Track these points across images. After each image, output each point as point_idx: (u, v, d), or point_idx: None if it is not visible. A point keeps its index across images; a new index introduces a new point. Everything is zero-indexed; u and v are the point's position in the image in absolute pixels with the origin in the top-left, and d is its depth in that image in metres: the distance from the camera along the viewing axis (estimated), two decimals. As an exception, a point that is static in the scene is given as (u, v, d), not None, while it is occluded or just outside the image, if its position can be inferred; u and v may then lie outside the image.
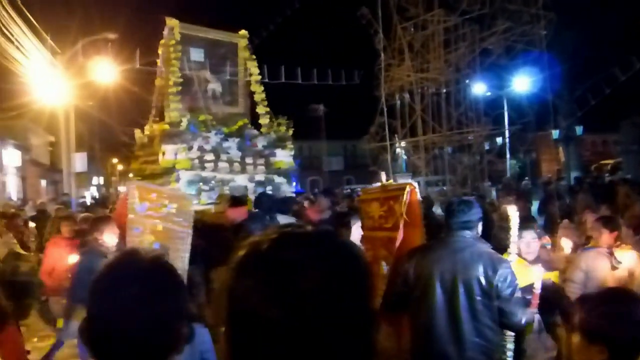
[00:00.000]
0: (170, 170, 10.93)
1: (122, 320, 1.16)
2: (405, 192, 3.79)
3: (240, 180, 11.22)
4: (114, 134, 39.03)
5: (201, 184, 10.17)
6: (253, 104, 12.29)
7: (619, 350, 1.72)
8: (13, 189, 24.42)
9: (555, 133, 23.41)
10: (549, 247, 4.81)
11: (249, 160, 11.44)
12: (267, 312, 0.77)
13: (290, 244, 0.83)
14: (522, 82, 16.28)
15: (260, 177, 11.52)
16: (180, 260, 4.29)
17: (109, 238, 4.57)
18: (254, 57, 12.44)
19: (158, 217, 5.25)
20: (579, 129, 26.02)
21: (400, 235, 3.79)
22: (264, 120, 12.27)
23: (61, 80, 16.38)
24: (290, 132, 12.22)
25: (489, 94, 14.75)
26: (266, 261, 0.81)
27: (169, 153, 10.94)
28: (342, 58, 16.05)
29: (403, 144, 13.39)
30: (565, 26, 17.34)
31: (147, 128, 11.54)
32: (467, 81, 12.82)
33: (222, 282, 0.87)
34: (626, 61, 13.24)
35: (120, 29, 18.43)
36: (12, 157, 24.92)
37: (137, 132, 11.90)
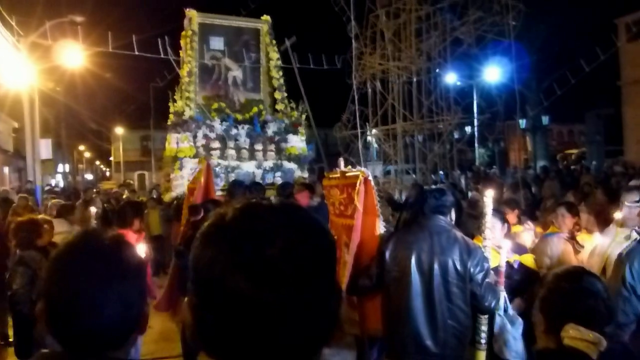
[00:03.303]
0: (173, 158, 10.87)
1: (86, 300, 1.14)
2: (359, 182, 3.82)
3: (248, 167, 11.16)
4: (81, 121, 38.22)
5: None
6: (273, 90, 12.18)
7: (551, 320, 1.89)
8: (-26, 176, 23.65)
9: (522, 122, 23.91)
10: (531, 231, 4.94)
11: (258, 146, 11.36)
12: (232, 281, 0.76)
13: (256, 214, 0.83)
14: (492, 72, 16.50)
15: (269, 163, 11.45)
16: None
17: None
18: (274, 42, 12.27)
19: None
20: (545, 119, 26.65)
21: (357, 223, 3.82)
22: (280, 106, 12.15)
23: (25, 64, 15.85)
24: (304, 117, 12.11)
25: (459, 83, 14.88)
26: (232, 229, 0.81)
27: (172, 141, 10.89)
28: (315, 45, 15.90)
29: (374, 132, 13.43)
30: (534, 17, 17.63)
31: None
32: (437, 70, 12.90)
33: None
34: (591, 53, 13.51)
35: (88, 11, 17.88)
36: (-27, 143, 24.08)
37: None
